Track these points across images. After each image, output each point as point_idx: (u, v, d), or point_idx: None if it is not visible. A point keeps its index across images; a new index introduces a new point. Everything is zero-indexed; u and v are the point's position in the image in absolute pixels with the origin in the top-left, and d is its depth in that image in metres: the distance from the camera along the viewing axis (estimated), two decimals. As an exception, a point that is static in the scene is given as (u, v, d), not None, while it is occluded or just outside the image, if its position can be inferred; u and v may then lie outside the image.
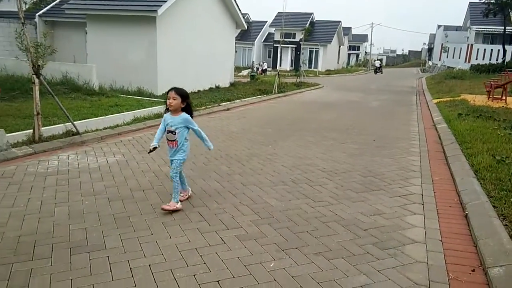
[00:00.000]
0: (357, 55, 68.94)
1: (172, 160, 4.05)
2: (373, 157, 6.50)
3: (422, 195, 4.66)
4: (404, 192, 4.79)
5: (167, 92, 3.88)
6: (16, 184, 4.49)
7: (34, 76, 6.11)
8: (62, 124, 6.90)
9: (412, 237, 3.54)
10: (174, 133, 3.89)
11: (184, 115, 3.92)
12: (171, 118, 3.91)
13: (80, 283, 2.63)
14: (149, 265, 2.91)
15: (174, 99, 3.83)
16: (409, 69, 57.43)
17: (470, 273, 2.90)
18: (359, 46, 68.88)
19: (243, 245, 3.28)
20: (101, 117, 8.09)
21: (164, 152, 6.24)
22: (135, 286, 2.64)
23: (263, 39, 48.42)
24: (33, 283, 2.62)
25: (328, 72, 41.02)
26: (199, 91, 15.22)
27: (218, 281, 2.73)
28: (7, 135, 5.71)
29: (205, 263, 2.96)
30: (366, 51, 69.21)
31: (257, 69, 35.46)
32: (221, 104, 12.34)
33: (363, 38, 67.21)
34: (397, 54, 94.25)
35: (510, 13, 28.19)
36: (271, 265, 2.97)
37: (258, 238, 3.42)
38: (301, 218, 3.90)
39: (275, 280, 2.77)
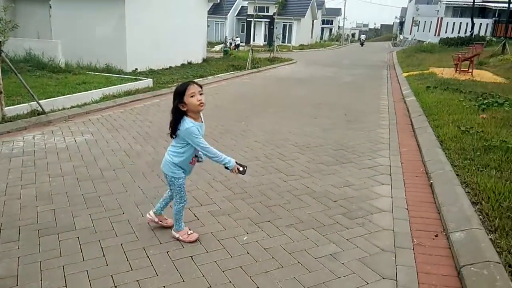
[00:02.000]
0: (331, 30, 68.85)
1: None
2: (345, 131, 6.60)
3: (390, 166, 4.80)
4: (372, 164, 4.91)
5: (184, 89, 2.64)
6: (-21, 167, 4.33)
7: (-7, 53, 5.80)
8: (27, 104, 6.62)
9: (380, 207, 3.66)
10: None
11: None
12: (203, 126, 2.82)
13: (50, 265, 2.60)
14: (121, 244, 2.89)
15: (201, 94, 2.69)
16: (381, 43, 57.95)
17: (433, 238, 3.05)
18: (332, 20, 68.70)
19: (216, 221, 3.31)
20: (68, 96, 7.79)
21: (134, 129, 6.15)
22: (107, 265, 2.63)
23: (236, 13, 47.46)
24: (0, 267, 2.56)
25: (302, 47, 40.86)
26: (170, 67, 14.89)
27: (191, 257, 2.76)
28: (-34, 116, 5.44)
29: (178, 240, 2.98)
30: (340, 25, 69.15)
31: (230, 44, 34.90)
32: (193, 80, 12.13)
33: (337, 12, 67.03)
34: (369, 28, 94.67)
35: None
36: (244, 239, 3.02)
37: (231, 213, 3.46)
38: (274, 192, 3.96)
39: (248, 252, 2.83)
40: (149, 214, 3.17)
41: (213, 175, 4.38)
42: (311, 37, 50.65)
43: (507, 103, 7.33)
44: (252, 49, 18.28)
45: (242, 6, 46.86)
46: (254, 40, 43.33)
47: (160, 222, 3.14)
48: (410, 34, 40.89)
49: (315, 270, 2.64)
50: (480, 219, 3.12)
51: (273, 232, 3.14)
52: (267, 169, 4.65)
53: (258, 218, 3.38)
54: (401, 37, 50.09)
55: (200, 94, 2.67)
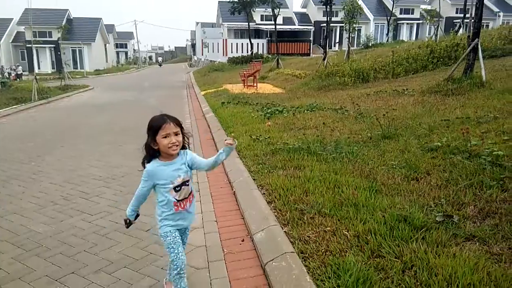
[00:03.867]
0: (126, 53, 67.58)
1: (186, 230, 2.62)
2: (151, 155, 6.52)
3: (198, 182, 4.97)
4: (181, 183, 4.99)
5: (157, 128, 2.32)
6: None
7: None
8: None
9: (192, 225, 3.72)
10: (187, 183, 2.44)
11: (188, 151, 2.49)
12: (173, 166, 2.38)
13: None
14: None
15: (177, 134, 2.35)
16: (178, 64, 60.31)
17: (241, 244, 3.29)
18: (126, 44, 67.58)
19: (3, 290, 2.74)
20: None
21: None
22: None
23: (12, 39, 41.44)
24: None
25: (98, 72, 38.76)
26: None
27: None
28: None
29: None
30: (134, 48, 68.65)
31: (9, 74, 30.18)
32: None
33: (129, 35, 66.26)
34: (165, 51, 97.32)
35: (251, 11, 33.11)
36: (42, 302, 2.59)
37: (23, 276, 2.92)
38: (77, 238, 3.55)
39: (48, 317, 2.43)
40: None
41: (-5, 235, 3.63)
42: (107, 61, 48.62)
43: (285, 110, 8.66)
44: (36, 78, 16.25)
45: (18, 32, 41.23)
46: (39, 68, 38.64)
47: None
48: (202, 55, 43.93)
49: (130, 312, 2.48)
50: (275, 216, 3.54)
51: (78, 284, 2.80)
52: (67, 213, 4.15)
53: (59, 272, 2.96)
54: (196, 58, 53.22)
55: (176, 135, 2.33)
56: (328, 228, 3.10)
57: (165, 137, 2.30)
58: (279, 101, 10.54)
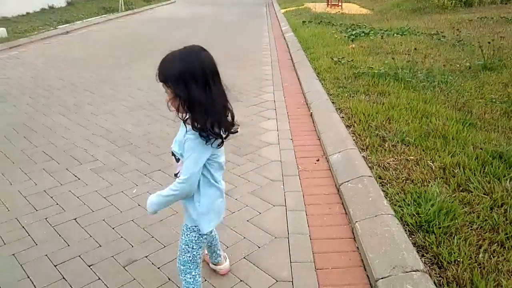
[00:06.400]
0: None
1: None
2: (231, 70, 6.54)
3: (275, 101, 4.96)
4: (259, 100, 5.01)
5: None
6: None
7: None
8: None
9: (267, 140, 3.79)
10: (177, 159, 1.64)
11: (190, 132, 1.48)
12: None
13: None
14: (-12, 219, 2.52)
15: (168, 87, 1.46)
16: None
17: (315, 163, 3.29)
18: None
19: (101, 178, 3.08)
20: None
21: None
22: (-28, 245, 2.29)
23: None
24: None
25: (179, -15, 38.57)
26: (28, 13, 12.89)
27: (75, 219, 2.54)
28: None
29: (57, 203, 2.70)
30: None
31: (98, -16, 31.25)
32: (58, 27, 10.70)
33: None
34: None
35: None
36: (134, 192, 2.88)
37: (117, 168, 3.25)
38: (163, 140, 3.81)
39: (139, 205, 2.71)
40: None
41: (92, 130, 4.02)
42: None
43: (372, 32, 8.01)
44: (123, -12, 16.64)
45: None
46: (125, -21, 39.20)
47: None
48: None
49: (209, 210, 2.66)
50: (354, 140, 3.44)
51: (165, 180, 3.04)
52: (153, 117, 4.43)
53: (147, 168, 3.24)
54: (278, -27, 50.29)
55: (168, 87, 1.48)
56: (411, 157, 2.95)
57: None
58: (366, 22, 9.75)
